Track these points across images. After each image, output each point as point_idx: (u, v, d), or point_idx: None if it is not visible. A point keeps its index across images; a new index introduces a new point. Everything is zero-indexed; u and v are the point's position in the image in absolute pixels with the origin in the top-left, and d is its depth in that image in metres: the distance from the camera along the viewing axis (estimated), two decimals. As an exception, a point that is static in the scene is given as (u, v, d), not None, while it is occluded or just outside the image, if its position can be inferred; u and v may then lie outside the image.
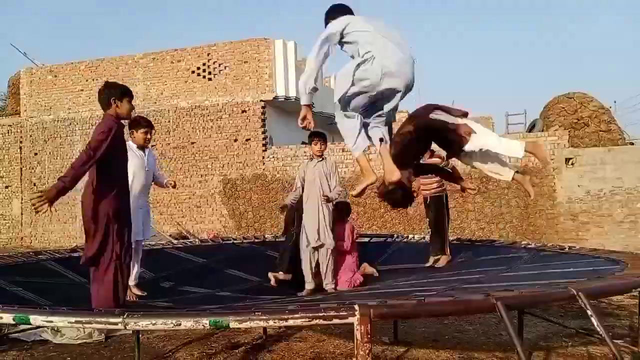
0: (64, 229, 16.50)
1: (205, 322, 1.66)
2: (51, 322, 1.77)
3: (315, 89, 3.50)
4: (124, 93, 4.01)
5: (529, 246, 4.76)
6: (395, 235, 7.23)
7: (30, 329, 5.63)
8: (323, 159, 5.85)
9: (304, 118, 3.60)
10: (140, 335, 5.10)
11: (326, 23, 3.64)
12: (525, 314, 4.62)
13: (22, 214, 17.28)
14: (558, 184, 12.12)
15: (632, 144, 14.88)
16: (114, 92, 3.95)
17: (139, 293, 4.91)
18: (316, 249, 5.65)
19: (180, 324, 1.66)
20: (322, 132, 5.88)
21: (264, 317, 1.65)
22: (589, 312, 1.80)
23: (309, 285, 5.70)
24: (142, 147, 5.15)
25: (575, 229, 11.96)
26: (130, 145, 4.96)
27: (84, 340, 5.64)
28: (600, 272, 2.73)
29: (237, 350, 5.22)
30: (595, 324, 1.84)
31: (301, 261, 5.71)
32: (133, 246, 4.57)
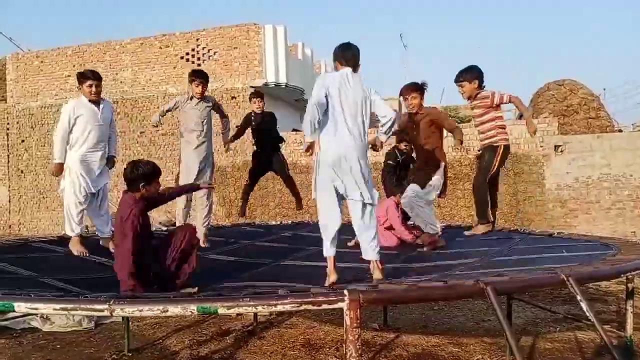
0: (52, 216, 16.37)
1: (192, 309, 1.65)
2: (36, 309, 1.75)
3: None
4: (152, 176, 3.64)
5: (520, 231, 4.79)
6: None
7: (19, 316, 5.60)
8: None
9: (308, 149, 3.86)
10: (130, 323, 5.09)
11: (335, 58, 3.82)
12: (514, 299, 4.65)
13: (9, 201, 17.10)
14: (547, 170, 12.18)
15: (621, 130, 14.98)
16: (142, 178, 3.56)
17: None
18: None
19: (167, 311, 1.65)
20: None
21: (253, 303, 1.64)
22: (579, 297, 1.81)
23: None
24: (95, 102, 4.89)
25: (563, 215, 12.05)
26: (82, 100, 4.87)
27: (74, 328, 5.63)
28: (593, 257, 2.74)
29: (227, 337, 5.23)
30: (584, 309, 1.85)
31: None
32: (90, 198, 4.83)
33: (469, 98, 5.24)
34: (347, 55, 3.79)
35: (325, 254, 3.60)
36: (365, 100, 3.69)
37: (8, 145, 17.16)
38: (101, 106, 4.93)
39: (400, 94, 5.20)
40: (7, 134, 17.17)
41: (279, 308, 1.60)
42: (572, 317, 4.83)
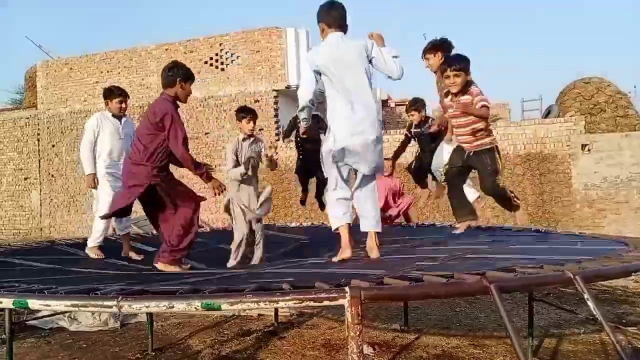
0: (82, 219, 16.74)
1: (197, 305, 1.69)
2: (48, 305, 1.82)
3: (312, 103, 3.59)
4: (189, 76, 4.22)
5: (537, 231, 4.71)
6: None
7: (48, 316, 5.76)
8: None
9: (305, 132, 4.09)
10: (154, 323, 5.19)
11: (319, 21, 3.59)
12: (536, 300, 4.58)
13: (40, 205, 17.56)
14: (574, 170, 11.96)
15: (651, 129, 14.60)
16: (181, 73, 4.12)
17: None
18: None
19: (173, 307, 1.69)
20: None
21: (255, 299, 1.67)
22: (586, 296, 1.79)
23: None
24: (117, 117, 5.22)
25: (591, 215, 11.81)
26: (106, 114, 5.21)
27: (100, 328, 5.75)
28: (605, 254, 2.69)
29: (248, 337, 5.28)
30: (591, 307, 1.82)
31: None
32: None
33: (456, 93, 4.44)
34: (333, 15, 3.48)
35: (335, 225, 3.51)
36: (364, 61, 3.40)
37: (39, 150, 17.63)
38: (123, 121, 5.22)
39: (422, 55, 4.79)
40: (38, 139, 17.64)
41: (281, 305, 1.63)
42: (596, 319, 4.74)
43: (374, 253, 3.48)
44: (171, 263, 4.07)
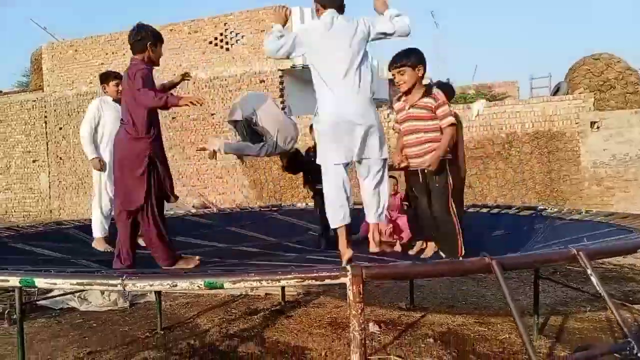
0: (91, 201, 16.87)
1: (200, 283, 1.71)
2: (55, 284, 1.84)
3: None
4: (158, 38, 3.91)
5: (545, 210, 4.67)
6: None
7: (58, 296, 5.84)
8: None
9: None
10: (162, 302, 5.25)
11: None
12: (542, 278, 4.59)
13: (49, 187, 17.69)
14: (582, 148, 11.85)
15: (662, 105, 14.41)
16: (149, 37, 3.83)
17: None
18: None
19: (176, 285, 1.71)
20: None
21: (257, 278, 1.68)
22: (589, 271, 1.78)
23: None
24: (117, 100, 5.02)
25: (600, 194, 11.74)
26: (106, 99, 5.19)
27: (109, 308, 5.84)
28: (614, 234, 2.69)
29: (256, 316, 5.33)
30: (594, 282, 1.82)
31: None
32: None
33: (406, 92, 3.87)
34: None
35: (333, 226, 3.37)
36: (361, 42, 3.25)
37: (47, 132, 17.70)
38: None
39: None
40: (46, 122, 17.70)
41: (283, 283, 1.64)
42: (602, 297, 4.74)
43: (371, 246, 3.40)
44: (175, 260, 3.82)
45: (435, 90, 3.79)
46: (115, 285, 1.72)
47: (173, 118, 15.81)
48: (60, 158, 17.45)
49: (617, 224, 3.12)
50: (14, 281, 1.86)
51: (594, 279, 1.80)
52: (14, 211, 18.24)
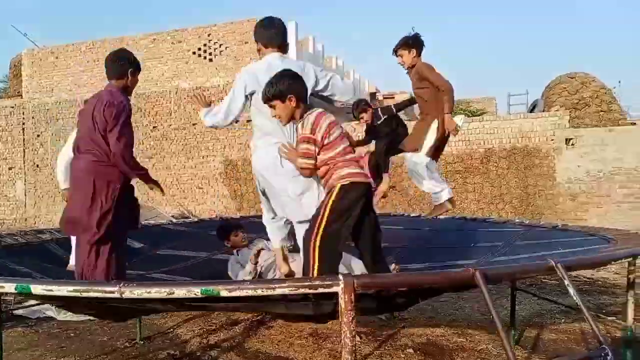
0: (68, 209, 16.63)
1: (197, 291, 1.74)
2: (50, 290, 1.85)
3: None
4: (138, 67, 3.70)
5: (523, 223, 4.81)
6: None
7: (35, 305, 5.76)
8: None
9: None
10: (142, 313, 5.23)
11: (256, 39, 3.51)
12: (519, 290, 4.70)
13: (25, 195, 17.41)
14: (558, 164, 12.15)
15: (634, 124, 14.85)
16: (132, 63, 3.60)
17: None
18: None
19: (173, 293, 1.74)
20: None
21: (253, 286, 1.73)
22: (566, 282, 1.87)
23: None
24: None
25: (574, 209, 12.02)
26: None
27: (87, 318, 5.77)
28: (590, 248, 2.80)
29: (236, 327, 5.33)
30: (571, 292, 1.91)
31: None
32: None
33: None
34: (269, 34, 3.33)
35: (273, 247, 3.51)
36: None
37: (24, 140, 17.45)
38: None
39: (393, 54, 4.45)
40: (23, 129, 17.46)
41: (278, 292, 1.69)
42: (577, 309, 4.87)
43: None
44: None
45: (310, 117, 3.20)
46: (113, 292, 1.74)
47: (154, 127, 15.75)
48: (37, 165, 17.21)
49: (595, 234, 3.25)
50: (9, 287, 1.87)
51: (571, 290, 1.89)
52: (-12, 219, 17.89)
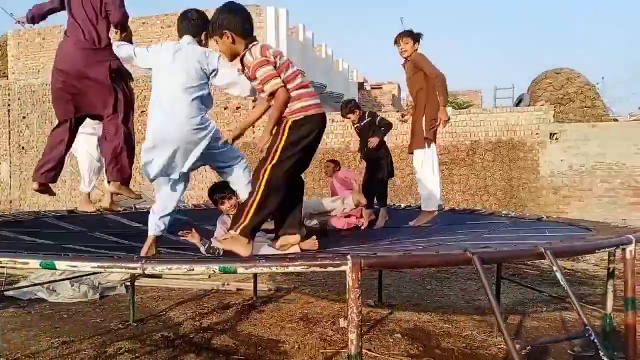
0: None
1: (215, 268, 1.85)
2: (75, 267, 1.94)
3: None
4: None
5: (509, 215, 4.98)
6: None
7: (26, 287, 5.82)
8: None
9: None
10: (134, 296, 5.30)
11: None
12: (503, 279, 4.87)
13: (10, 177, 17.25)
14: (542, 158, 12.38)
15: (617, 120, 15.16)
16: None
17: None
18: None
19: (193, 269, 1.84)
20: None
21: (268, 265, 1.84)
22: (555, 268, 2.00)
23: None
24: None
25: (556, 202, 12.29)
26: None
27: (79, 300, 5.84)
28: (573, 237, 2.96)
29: (228, 310, 5.45)
30: (559, 278, 2.04)
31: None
32: None
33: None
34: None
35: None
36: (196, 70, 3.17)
37: (9, 121, 17.25)
38: None
39: (395, 42, 4.79)
40: (9, 111, 17.25)
41: (291, 269, 1.80)
42: (559, 298, 5.06)
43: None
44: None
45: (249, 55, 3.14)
46: (135, 269, 1.83)
47: (143, 112, 15.68)
48: (23, 148, 17.05)
49: (578, 225, 3.42)
50: (34, 264, 1.94)
51: (559, 275, 2.03)
52: (-28, 201, 17.71)
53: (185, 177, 3.39)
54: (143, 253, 3.03)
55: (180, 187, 3.40)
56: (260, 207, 2.93)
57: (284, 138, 3.00)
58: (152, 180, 3.27)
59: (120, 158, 3.58)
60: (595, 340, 2.00)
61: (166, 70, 3.18)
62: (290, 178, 3.10)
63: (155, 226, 3.25)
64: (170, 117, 3.06)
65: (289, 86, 3.06)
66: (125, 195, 3.79)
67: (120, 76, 3.71)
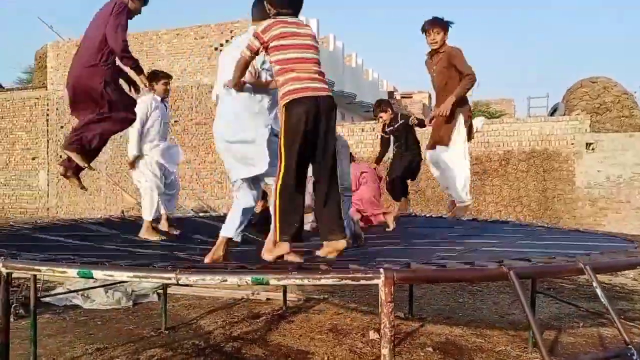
0: (89, 200, 16.93)
1: (247, 279, 1.86)
2: (111, 276, 1.98)
3: None
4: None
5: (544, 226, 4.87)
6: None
7: (62, 293, 5.95)
8: None
9: None
10: (167, 303, 5.37)
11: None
12: (538, 293, 4.75)
13: (48, 185, 17.74)
14: (577, 168, 12.10)
15: (656, 130, 14.73)
16: None
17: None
18: None
19: (226, 280, 1.86)
20: None
21: (300, 276, 1.84)
22: (594, 284, 1.94)
23: None
24: (163, 100, 5.41)
25: (593, 214, 11.97)
26: (155, 97, 5.34)
27: (113, 306, 5.94)
28: (613, 249, 2.86)
29: (258, 320, 5.45)
30: (599, 294, 1.98)
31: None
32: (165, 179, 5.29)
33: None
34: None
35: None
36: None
37: (48, 130, 17.78)
38: (167, 104, 5.47)
39: (422, 30, 4.64)
40: (47, 120, 17.79)
41: (323, 282, 1.80)
42: (595, 313, 4.91)
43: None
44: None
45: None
46: (170, 279, 1.86)
47: (175, 121, 15.96)
48: (60, 156, 17.51)
49: (617, 236, 3.31)
50: (72, 272, 1.99)
51: (599, 291, 1.96)
52: (11, 208, 18.26)
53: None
54: (211, 254, 2.97)
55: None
56: (283, 210, 2.74)
57: (282, 132, 2.84)
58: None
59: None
60: (637, 359, 1.92)
61: None
62: (300, 170, 2.83)
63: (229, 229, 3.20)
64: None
65: (290, 62, 2.95)
66: (76, 161, 4.52)
67: None
